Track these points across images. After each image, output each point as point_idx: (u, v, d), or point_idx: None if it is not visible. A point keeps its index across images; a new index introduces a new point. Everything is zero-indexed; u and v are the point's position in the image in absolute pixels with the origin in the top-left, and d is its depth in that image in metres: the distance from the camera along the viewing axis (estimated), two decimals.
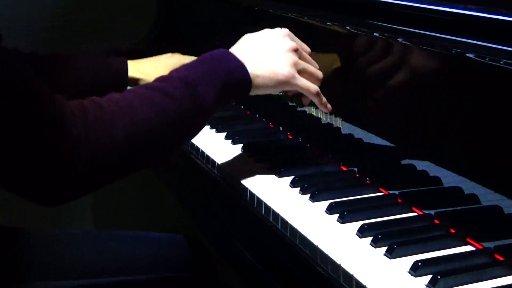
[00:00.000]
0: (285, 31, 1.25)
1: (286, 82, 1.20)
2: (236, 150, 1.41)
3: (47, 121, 0.96)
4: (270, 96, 1.61)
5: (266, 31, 1.25)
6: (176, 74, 1.12)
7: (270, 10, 1.58)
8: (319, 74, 1.26)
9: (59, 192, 1.00)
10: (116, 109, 1.03)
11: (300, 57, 1.24)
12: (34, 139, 0.96)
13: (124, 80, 1.50)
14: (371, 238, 1.03)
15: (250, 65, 1.17)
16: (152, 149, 1.06)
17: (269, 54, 1.20)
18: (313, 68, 1.25)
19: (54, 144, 0.96)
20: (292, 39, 1.24)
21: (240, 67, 1.16)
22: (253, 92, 1.20)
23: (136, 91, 1.09)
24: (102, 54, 1.59)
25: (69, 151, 0.97)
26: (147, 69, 1.52)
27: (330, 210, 1.12)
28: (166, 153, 1.11)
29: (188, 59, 1.53)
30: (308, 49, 1.28)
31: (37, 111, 0.96)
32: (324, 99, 1.25)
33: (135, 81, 1.50)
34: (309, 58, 1.27)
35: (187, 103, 1.08)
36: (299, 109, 1.50)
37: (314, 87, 1.23)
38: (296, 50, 1.23)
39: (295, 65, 1.21)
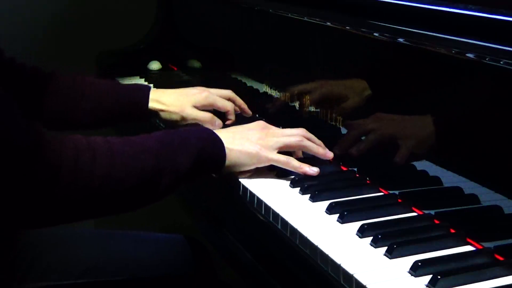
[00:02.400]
0: (260, 122, 1.29)
1: (258, 157, 1.22)
2: None
3: (22, 150, 0.99)
4: (270, 96, 1.61)
5: (243, 125, 1.30)
6: (156, 134, 1.17)
7: (270, 10, 1.58)
8: (294, 142, 1.26)
9: (31, 218, 1.05)
10: (97, 152, 1.07)
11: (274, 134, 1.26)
12: (14, 164, 0.99)
13: (144, 111, 1.48)
14: (371, 238, 1.03)
15: (226, 140, 1.21)
16: (122, 197, 1.10)
17: (244, 134, 1.24)
18: (285, 140, 1.25)
19: (32, 170, 1.00)
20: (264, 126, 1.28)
21: (215, 138, 1.20)
22: (228, 169, 1.22)
23: (118, 140, 1.12)
24: (124, 84, 1.61)
25: (45, 180, 1.01)
26: (169, 100, 1.48)
27: (330, 210, 1.12)
28: (134, 205, 1.13)
29: (214, 92, 1.51)
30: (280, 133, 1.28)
31: (11, 140, 0.99)
32: (298, 165, 1.23)
33: (155, 112, 1.49)
34: (281, 132, 1.28)
35: (162, 162, 1.12)
36: (299, 109, 1.50)
37: (283, 160, 1.23)
38: (268, 128, 1.27)
39: (263, 141, 1.24)
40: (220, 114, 1.49)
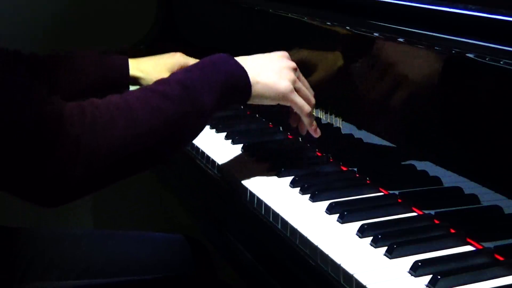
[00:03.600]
0: (285, 53, 1.26)
1: (284, 94, 1.21)
2: (236, 150, 1.41)
3: (45, 122, 0.96)
4: None
5: (267, 54, 1.26)
6: (175, 77, 1.13)
7: (270, 10, 1.58)
8: (313, 100, 1.26)
9: (56, 193, 1.00)
10: (115, 111, 1.03)
11: (299, 78, 1.25)
12: (32, 140, 0.96)
13: (125, 78, 1.50)
14: (371, 238, 1.03)
15: (251, 71, 1.18)
16: (150, 151, 1.06)
17: (270, 66, 1.21)
18: (308, 92, 1.26)
19: (51, 145, 0.96)
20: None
21: (240, 70, 1.17)
22: (252, 100, 1.20)
23: (134, 93, 1.09)
24: (102, 53, 1.59)
25: (66, 152, 0.97)
26: (147, 67, 1.52)
27: (330, 210, 1.12)
28: (164, 156, 1.11)
29: (190, 59, 1.55)
30: (306, 82, 1.28)
31: (34, 112, 0.96)
32: (315, 123, 1.25)
33: (136, 80, 1.50)
34: (306, 83, 1.28)
35: (185, 106, 1.08)
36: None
37: (308, 108, 1.24)
38: (295, 70, 1.24)
39: (294, 82, 1.22)
40: None
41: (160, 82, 1.12)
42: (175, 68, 1.51)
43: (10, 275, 1.33)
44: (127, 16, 2.34)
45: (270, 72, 1.20)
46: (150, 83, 1.39)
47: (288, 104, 1.23)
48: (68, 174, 0.98)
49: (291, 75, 1.22)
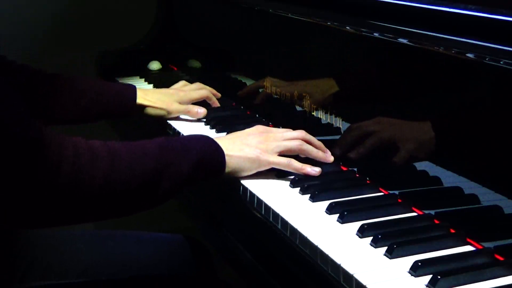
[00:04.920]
0: (259, 126, 1.31)
1: (256, 159, 1.23)
2: None
3: (24, 145, 0.99)
4: (270, 96, 1.61)
5: (244, 131, 1.31)
6: (157, 139, 1.17)
7: (270, 10, 1.58)
8: (322, 155, 1.28)
9: (31, 214, 1.04)
10: (96, 153, 1.06)
11: (307, 141, 1.27)
12: (9, 162, 0.98)
13: (132, 106, 1.57)
14: (371, 238, 1.03)
15: (225, 147, 1.22)
16: (124, 198, 1.10)
17: (239, 138, 1.26)
18: (286, 144, 1.26)
19: (28, 169, 0.99)
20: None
21: (214, 144, 1.21)
22: (232, 173, 1.23)
23: (117, 144, 1.12)
24: (110, 82, 1.69)
25: (42, 178, 1.00)
26: (154, 97, 1.60)
27: (330, 210, 1.12)
28: (139, 207, 1.14)
29: (187, 89, 1.65)
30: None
31: (14, 134, 0.98)
32: (300, 167, 1.24)
33: (143, 108, 1.58)
34: (315, 141, 1.29)
35: (162, 164, 1.12)
36: (299, 109, 1.50)
37: (284, 163, 1.24)
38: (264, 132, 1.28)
39: (263, 144, 1.24)
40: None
41: (143, 141, 1.16)
42: (179, 100, 1.61)
43: (11, 275, 1.33)
44: (127, 16, 2.34)
45: (243, 145, 1.24)
46: (155, 112, 1.58)
47: (270, 167, 1.25)
48: (43, 200, 1.02)
49: (258, 139, 1.25)
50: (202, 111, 1.59)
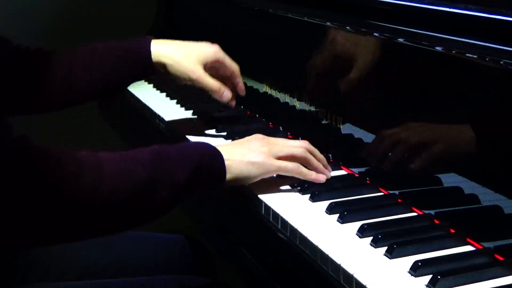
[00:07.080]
0: (259, 135, 1.24)
1: (261, 164, 1.17)
2: None
3: (5, 158, 0.94)
4: (270, 96, 1.61)
5: (244, 138, 1.24)
6: (150, 146, 1.10)
7: (270, 10, 1.58)
8: (299, 152, 1.21)
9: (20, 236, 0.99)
10: (82, 163, 0.99)
11: (311, 151, 1.22)
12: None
13: (149, 66, 1.42)
14: (371, 238, 1.03)
15: (223, 153, 1.15)
16: (112, 214, 1.02)
17: (239, 144, 1.20)
18: (290, 149, 1.20)
19: (6, 182, 0.93)
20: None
21: (214, 150, 1.14)
22: (233, 180, 1.16)
23: (106, 153, 1.04)
24: (121, 40, 1.51)
25: (23, 194, 0.95)
26: (176, 54, 1.42)
27: (330, 210, 1.12)
28: (130, 223, 1.08)
29: (227, 57, 1.46)
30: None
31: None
32: (307, 172, 1.20)
33: (163, 66, 1.42)
34: (318, 153, 1.24)
35: (156, 173, 1.05)
36: (299, 109, 1.50)
37: (291, 167, 1.19)
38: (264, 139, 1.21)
39: (266, 147, 1.19)
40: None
41: (136, 149, 1.08)
42: (208, 61, 1.42)
43: (11, 276, 1.33)
44: (127, 16, 2.34)
45: (245, 149, 1.18)
46: (179, 73, 1.39)
47: (277, 173, 1.20)
48: (27, 216, 0.95)
49: (260, 143, 1.19)
50: (226, 93, 1.42)
